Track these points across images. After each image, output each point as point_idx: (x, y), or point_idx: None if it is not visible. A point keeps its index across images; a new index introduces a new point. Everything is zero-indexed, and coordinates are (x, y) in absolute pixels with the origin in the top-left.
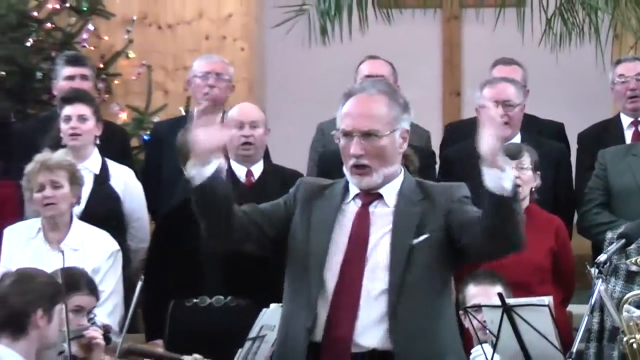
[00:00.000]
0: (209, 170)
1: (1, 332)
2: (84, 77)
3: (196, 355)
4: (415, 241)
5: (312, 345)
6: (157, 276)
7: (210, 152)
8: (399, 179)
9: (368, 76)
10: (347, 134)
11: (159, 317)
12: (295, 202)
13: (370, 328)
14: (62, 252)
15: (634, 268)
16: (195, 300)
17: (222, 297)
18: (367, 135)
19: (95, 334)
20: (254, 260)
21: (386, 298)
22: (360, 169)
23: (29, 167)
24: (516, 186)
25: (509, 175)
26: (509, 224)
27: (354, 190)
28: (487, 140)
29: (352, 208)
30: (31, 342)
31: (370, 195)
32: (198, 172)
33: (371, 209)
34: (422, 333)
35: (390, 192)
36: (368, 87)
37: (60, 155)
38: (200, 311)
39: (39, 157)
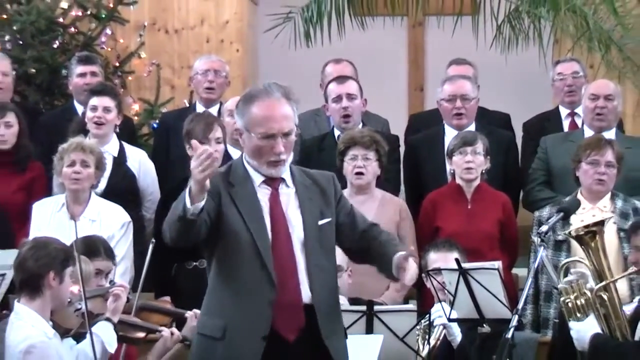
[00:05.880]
0: (201, 204)
1: (21, 292)
2: (93, 74)
3: (195, 310)
4: (321, 222)
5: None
6: (163, 243)
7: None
8: None
9: (336, 77)
10: (271, 136)
11: (165, 278)
12: (215, 195)
13: (307, 290)
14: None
15: (560, 238)
16: (195, 263)
17: None
18: (286, 134)
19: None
20: None
21: (305, 267)
22: (279, 162)
23: (64, 145)
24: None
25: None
26: None
27: (257, 176)
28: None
29: (262, 192)
30: (45, 301)
31: (276, 180)
32: (195, 207)
33: (279, 190)
34: (331, 295)
35: (287, 175)
36: (271, 91)
37: (93, 141)
38: (199, 272)
39: (74, 139)
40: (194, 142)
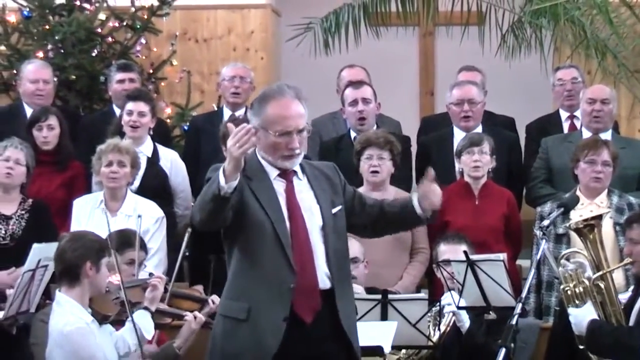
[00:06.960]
0: (235, 183)
1: (61, 281)
2: (132, 80)
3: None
4: (334, 210)
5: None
6: (201, 237)
7: (240, 166)
8: None
9: (350, 81)
10: (287, 133)
11: (201, 268)
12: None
13: (322, 275)
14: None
15: (560, 231)
16: None
17: None
18: (300, 131)
19: (157, 281)
20: None
21: (324, 252)
22: (294, 156)
23: (102, 146)
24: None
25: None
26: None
27: (272, 170)
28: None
29: (278, 184)
30: (84, 289)
31: (290, 173)
32: (229, 186)
33: (294, 183)
34: (347, 278)
35: (297, 168)
36: (285, 91)
37: (128, 142)
38: None
39: (111, 141)
40: (230, 124)
